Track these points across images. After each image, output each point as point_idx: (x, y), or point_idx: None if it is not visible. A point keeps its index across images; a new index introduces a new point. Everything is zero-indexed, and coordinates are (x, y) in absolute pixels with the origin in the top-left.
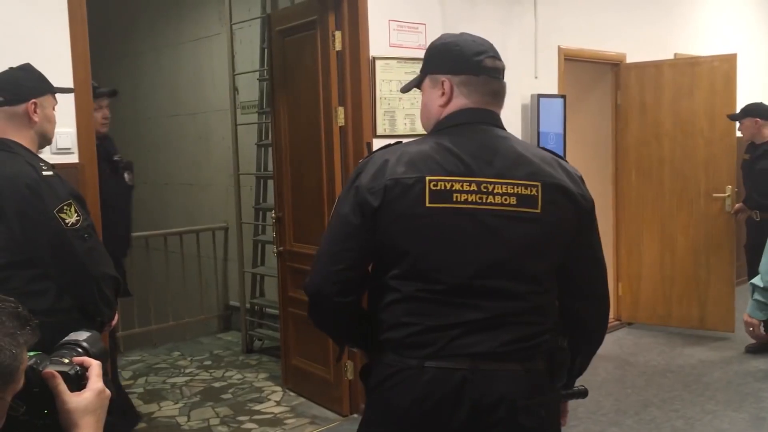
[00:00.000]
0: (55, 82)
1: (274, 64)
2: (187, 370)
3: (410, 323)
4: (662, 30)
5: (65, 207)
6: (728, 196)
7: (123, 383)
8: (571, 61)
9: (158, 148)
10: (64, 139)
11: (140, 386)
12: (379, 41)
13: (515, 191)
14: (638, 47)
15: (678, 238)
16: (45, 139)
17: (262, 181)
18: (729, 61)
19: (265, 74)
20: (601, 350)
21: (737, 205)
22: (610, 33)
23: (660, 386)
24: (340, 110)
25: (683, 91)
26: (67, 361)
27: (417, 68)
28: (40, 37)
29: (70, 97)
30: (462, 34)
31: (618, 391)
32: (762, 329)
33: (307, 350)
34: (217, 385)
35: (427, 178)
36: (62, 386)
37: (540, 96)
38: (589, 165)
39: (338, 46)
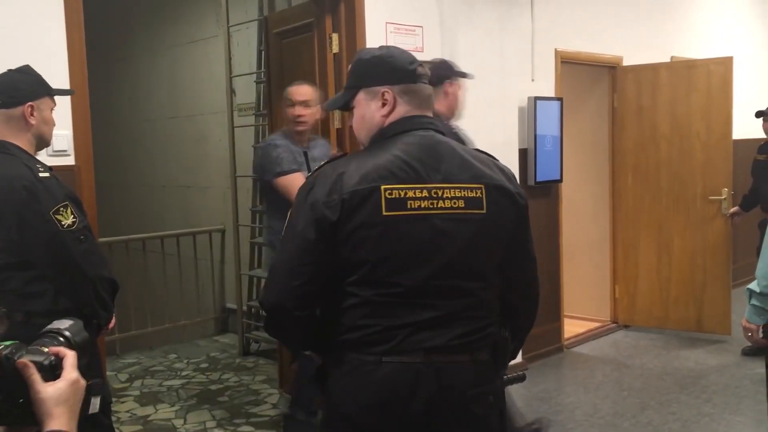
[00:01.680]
0: (52, 85)
1: (271, 67)
2: (184, 373)
3: (368, 325)
4: (659, 33)
5: (61, 209)
6: (724, 198)
7: (119, 386)
8: (568, 64)
9: (156, 150)
10: (60, 141)
11: (136, 389)
12: (376, 44)
13: (463, 194)
14: (635, 50)
15: (675, 240)
16: (43, 142)
17: (259, 183)
18: (725, 64)
19: (263, 76)
20: (598, 353)
21: (733, 209)
22: (607, 36)
23: (657, 389)
24: (337, 113)
25: (680, 94)
26: (46, 350)
27: None
28: (37, 40)
29: (67, 99)
30: (388, 47)
31: (615, 393)
32: (760, 334)
33: None
34: (213, 387)
35: (382, 187)
36: (35, 376)
37: (537, 98)
38: (587, 167)
39: (335, 49)
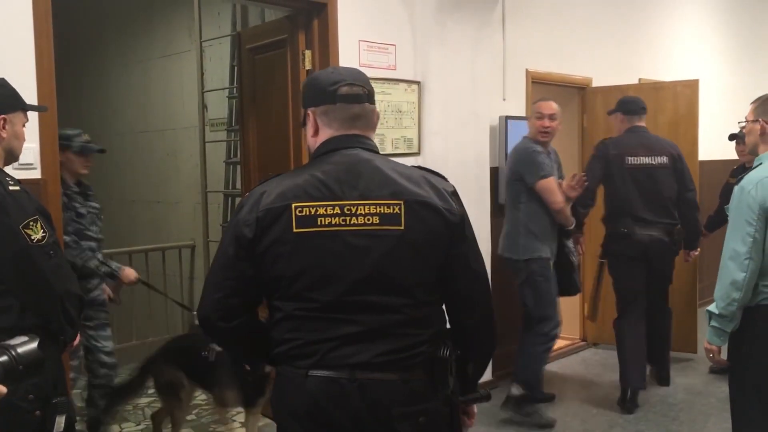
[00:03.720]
0: None
1: (244, 82)
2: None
3: (293, 339)
4: (627, 55)
5: (31, 223)
6: None
7: (84, 404)
8: (539, 84)
9: (126, 164)
10: (26, 154)
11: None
12: (349, 61)
13: (378, 211)
14: (604, 72)
15: None
16: (12, 156)
17: (230, 198)
18: (691, 87)
19: (235, 92)
20: (567, 370)
21: None
22: (577, 57)
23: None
24: None
25: (647, 115)
26: None
27: (386, 88)
28: (4, 52)
29: (34, 112)
30: (327, 68)
31: (584, 411)
32: (720, 354)
33: None
34: None
35: (293, 205)
36: None
37: (508, 118)
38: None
39: (308, 65)
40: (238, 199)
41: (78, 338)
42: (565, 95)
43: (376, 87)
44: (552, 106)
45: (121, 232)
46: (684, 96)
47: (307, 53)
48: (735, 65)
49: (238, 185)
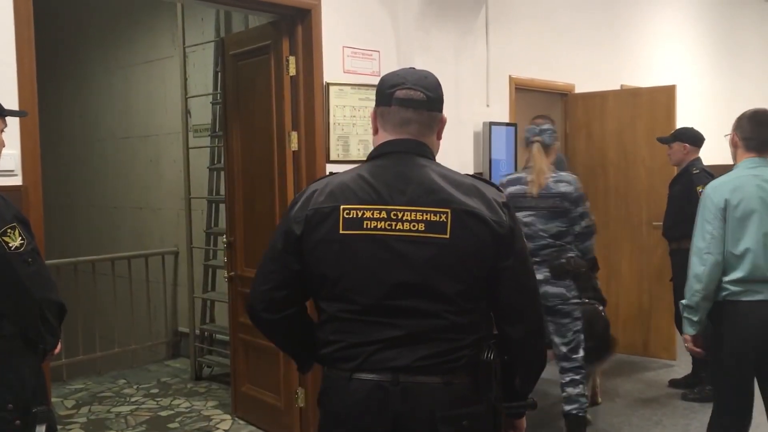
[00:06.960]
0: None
1: (228, 88)
2: (133, 399)
3: (336, 340)
4: (609, 62)
5: (9, 230)
6: None
7: (65, 412)
8: (522, 91)
9: (108, 170)
10: (7, 160)
11: (83, 416)
12: (333, 67)
13: (424, 218)
14: (587, 78)
15: (622, 265)
16: None
17: (213, 205)
18: (668, 92)
19: (218, 98)
20: (550, 375)
21: None
22: (560, 64)
23: (608, 411)
24: (294, 135)
25: (626, 121)
26: None
27: (370, 94)
28: None
29: (15, 118)
30: (401, 69)
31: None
32: (693, 344)
33: (258, 377)
34: (164, 414)
35: (342, 206)
36: None
37: (492, 124)
38: None
39: (292, 71)
40: (221, 206)
41: (59, 346)
42: (548, 101)
43: (360, 93)
44: None
45: (103, 239)
46: (661, 102)
47: (291, 59)
48: (715, 71)
49: (222, 191)
